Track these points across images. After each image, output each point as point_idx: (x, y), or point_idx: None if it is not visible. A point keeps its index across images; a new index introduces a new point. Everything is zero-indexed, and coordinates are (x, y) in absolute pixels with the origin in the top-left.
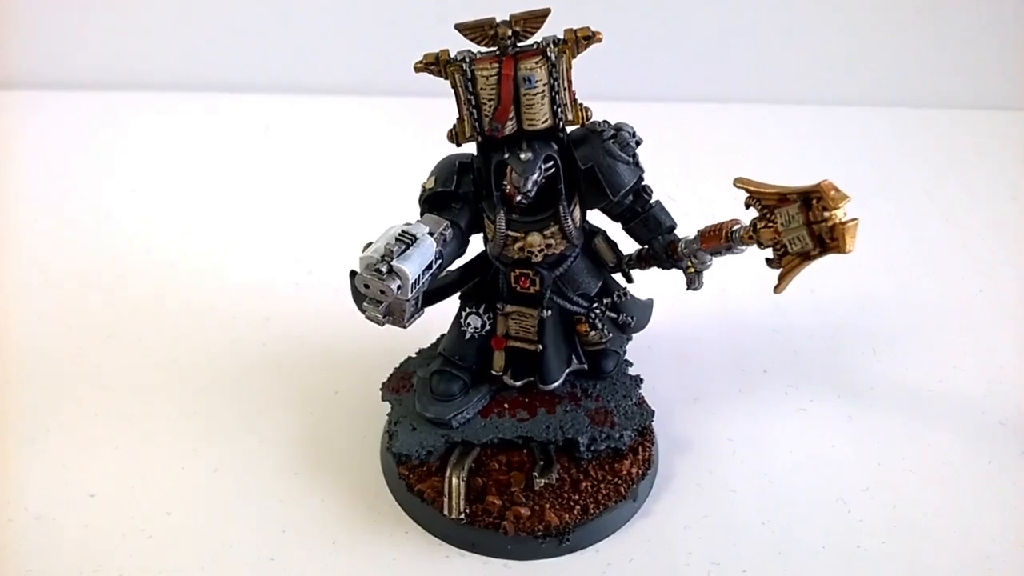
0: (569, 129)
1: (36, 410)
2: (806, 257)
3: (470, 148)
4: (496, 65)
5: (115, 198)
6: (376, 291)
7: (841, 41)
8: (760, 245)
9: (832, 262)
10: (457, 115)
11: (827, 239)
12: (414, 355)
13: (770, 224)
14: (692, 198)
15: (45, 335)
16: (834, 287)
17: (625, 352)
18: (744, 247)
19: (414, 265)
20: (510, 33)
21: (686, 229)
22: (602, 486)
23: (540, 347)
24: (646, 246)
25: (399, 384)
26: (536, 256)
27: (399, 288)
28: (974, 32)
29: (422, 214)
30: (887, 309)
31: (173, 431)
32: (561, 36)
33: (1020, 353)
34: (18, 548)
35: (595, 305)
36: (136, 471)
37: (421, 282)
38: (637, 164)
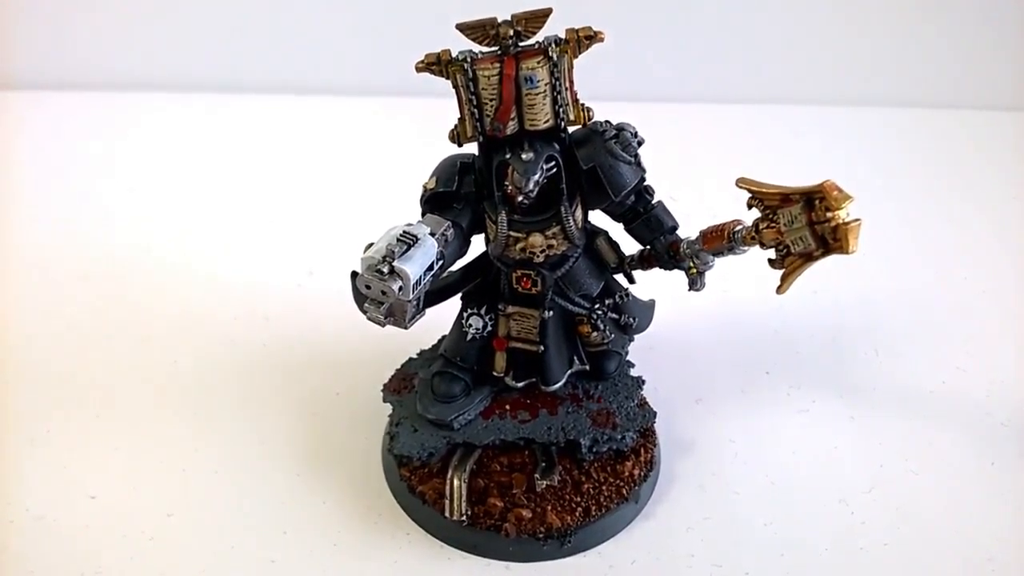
0: (571, 129)
1: (36, 411)
2: (809, 258)
3: (471, 148)
4: (498, 65)
5: (114, 198)
6: (377, 292)
7: (842, 41)
8: (762, 246)
9: (834, 263)
10: (458, 115)
11: (830, 239)
12: (415, 356)
13: (773, 224)
14: (694, 198)
15: (45, 335)
16: (836, 288)
17: (627, 353)
18: (746, 248)
19: (415, 266)
20: (512, 33)
21: (688, 230)
22: (604, 488)
23: (542, 348)
24: (648, 247)
25: (400, 385)
26: (538, 257)
27: (400, 289)
28: (974, 32)
29: (423, 215)
30: (889, 310)
31: (174, 432)
32: (563, 36)
33: (1022, 354)
34: (19, 549)
35: (597, 306)
36: (137, 472)
37: (422, 283)
38: (639, 164)
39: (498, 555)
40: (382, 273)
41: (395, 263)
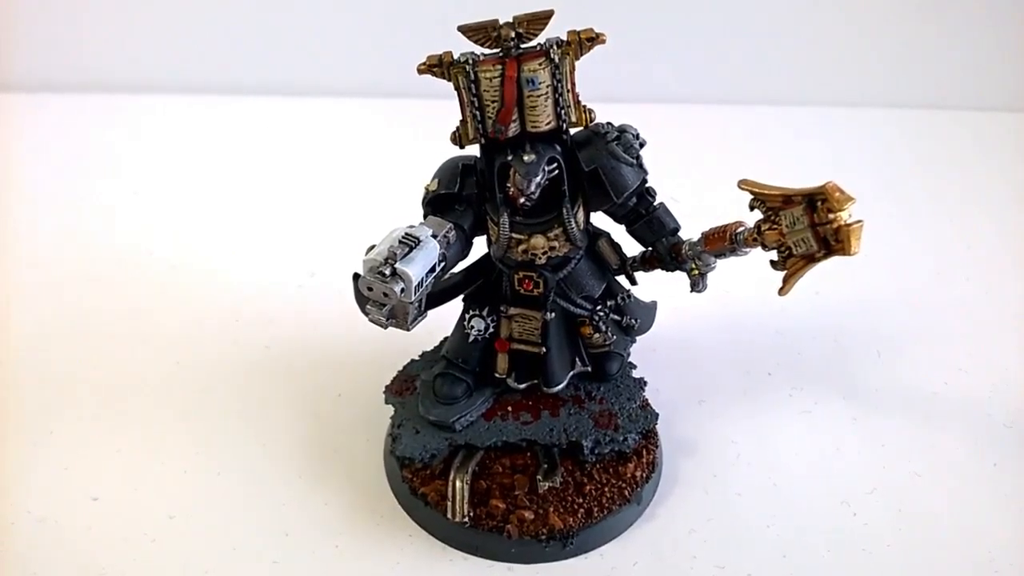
0: (572, 131)
1: (39, 413)
2: (811, 259)
3: (473, 150)
4: (499, 67)
5: (117, 200)
6: (379, 294)
7: (843, 42)
8: (764, 247)
9: (836, 264)
10: (460, 117)
11: (832, 241)
12: (417, 358)
13: (774, 226)
14: (696, 200)
15: (47, 337)
16: (838, 289)
17: (629, 355)
18: (748, 249)
19: (417, 268)
20: (513, 35)
21: (690, 231)
22: (606, 489)
23: (544, 350)
24: (650, 248)
25: (402, 387)
26: (540, 258)
27: (402, 291)
28: (975, 33)
29: (425, 216)
30: (891, 311)
31: (176, 434)
32: (564, 38)
33: None
34: (21, 551)
35: (599, 307)
36: (139, 474)
37: (424, 285)
38: (641, 166)
39: (500, 556)
40: (384, 275)
41: (397, 265)
